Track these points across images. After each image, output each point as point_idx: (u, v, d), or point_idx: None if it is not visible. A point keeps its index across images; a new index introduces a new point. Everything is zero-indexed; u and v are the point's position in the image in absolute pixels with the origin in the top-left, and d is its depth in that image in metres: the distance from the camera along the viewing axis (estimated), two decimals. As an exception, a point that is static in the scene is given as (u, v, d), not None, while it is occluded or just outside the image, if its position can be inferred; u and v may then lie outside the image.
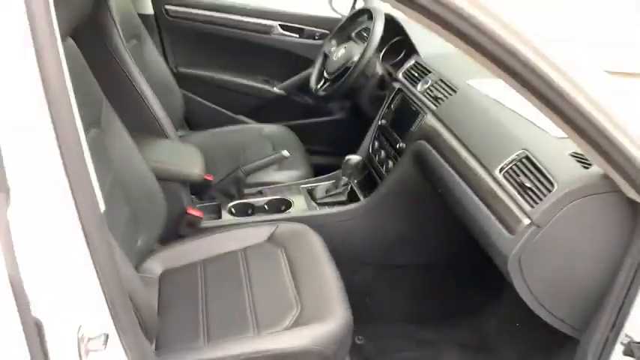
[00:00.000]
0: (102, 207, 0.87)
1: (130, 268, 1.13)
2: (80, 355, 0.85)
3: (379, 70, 2.02)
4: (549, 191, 1.09)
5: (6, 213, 0.71)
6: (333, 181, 1.90)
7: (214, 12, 2.40)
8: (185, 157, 1.73)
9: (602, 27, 3.67)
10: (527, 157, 1.20)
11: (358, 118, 2.27)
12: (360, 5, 2.30)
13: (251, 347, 1.23)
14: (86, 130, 0.99)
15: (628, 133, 0.96)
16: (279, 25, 2.43)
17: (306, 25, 2.44)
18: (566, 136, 0.99)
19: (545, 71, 0.92)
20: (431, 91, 1.67)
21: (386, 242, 1.79)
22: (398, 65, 2.01)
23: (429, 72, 1.76)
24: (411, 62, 1.89)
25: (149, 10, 2.35)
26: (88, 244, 0.83)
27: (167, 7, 2.38)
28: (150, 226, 1.50)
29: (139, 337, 0.97)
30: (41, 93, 0.75)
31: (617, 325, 1.12)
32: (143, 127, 1.76)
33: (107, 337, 0.90)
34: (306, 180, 1.97)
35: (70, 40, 1.27)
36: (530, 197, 1.12)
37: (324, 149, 2.37)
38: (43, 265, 0.77)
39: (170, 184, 1.63)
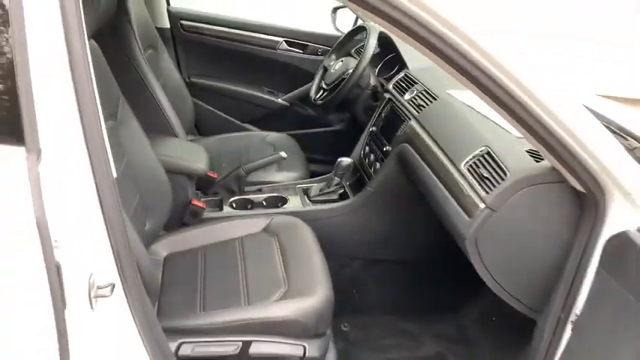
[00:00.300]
0: (114, 174, 1.04)
1: (136, 236, 1.29)
2: (90, 299, 1.01)
3: (373, 82, 2.20)
4: (503, 180, 1.24)
5: (37, 168, 0.89)
6: (327, 182, 2.06)
7: (225, 28, 2.61)
8: (191, 154, 1.90)
9: (544, 19, 3.77)
10: (488, 153, 1.35)
11: (355, 129, 2.44)
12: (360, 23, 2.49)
13: (241, 315, 1.38)
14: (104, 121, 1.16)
15: (574, 135, 1.10)
16: (285, 41, 2.63)
17: (310, 42, 2.64)
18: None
19: (505, 82, 1.07)
20: (415, 99, 1.84)
21: (372, 238, 1.94)
22: (391, 78, 2.19)
23: (416, 83, 1.93)
24: (400, 75, 2.06)
25: (166, 24, 2.57)
26: (100, 202, 1.00)
27: (182, 22, 2.59)
28: (157, 213, 1.67)
29: (140, 291, 1.13)
30: (70, 79, 0.93)
31: (567, 306, 1.25)
32: (156, 127, 1.94)
33: (114, 286, 1.06)
34: (302, 180, 2.14)
35: (93, 42, 1.46)
36: (487, 185, 1.27)
37: (322, 157, 2.53)
38: (63, 217, 0.94)
39: (177, 177, 1.80)
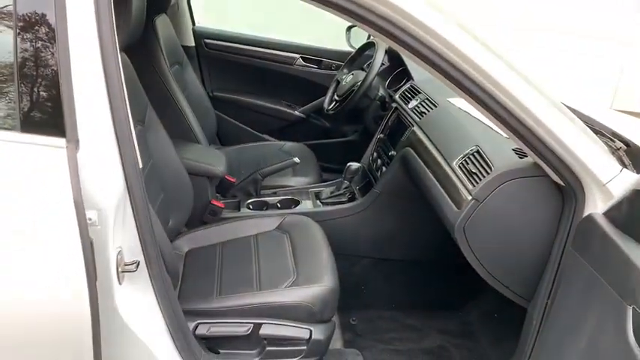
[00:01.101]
0: (140, 164, 1.20)
1: (159, 224, 1.44)
2: (118, 274, 1.17)
3: (382, 93, 2.35)
4: (488, 174, 1.36)
5: (76, 156, 1.06)
6: (337, 185, 2.20)
7: (246, 45, 2.81)
8: (212, 158, 2.07)
9: (525, 12, 3.80)
10: (477, 151, 1.48)
11: (367, 139, 2.58)
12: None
13: (253, 300, 1.51)
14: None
15: (553, 134, 1.21)
16: (301, 57, 2.81)
17: (324, 58, 2.82)
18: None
19: (491, 89, 1.19)
20: (418, 107, 1.98)
21: (380, 238, 2.06)
22: (399, 90, 2.33)
23: (419, 92, 2.07)
24: (406, 86, 2.20)
25: (191, 42, 2.78)
26: (127, 187, 1.16)
27: (206, 40, 2.80)
28: (179, 211, 1.82)
29: (162, 269, 1.28)
30: (104, 85, 1.10)
31: (553, 292, 1.34)
32: (180, 135, 2.11)
33: (138, 263, 1.21)
34: (314, 185, 2.28)
35: (124, 55, 1.64)
36: (475, 179, 1.40)
37: (335, 166, 2.67)
38: (97, 199, 1.10)
39: (198, 179, 1.96)
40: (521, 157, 1.39)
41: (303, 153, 2.53)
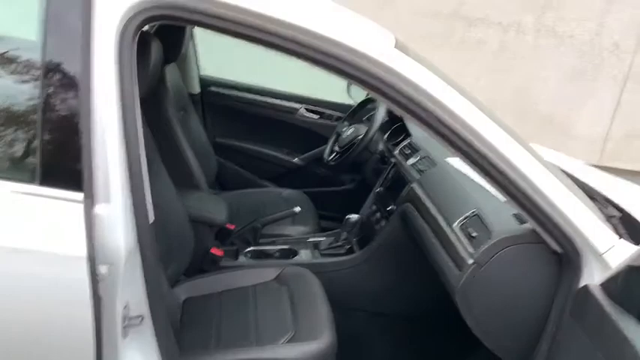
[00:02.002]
0: (151, 219, 1.22)
1: (164, 276, 1.46)
2: (123, 327, 1.18)
3: (381, 147, 2.41)
4: (489, 239, 1.40)
5: (92, 211, 1.08)
6: (336, 236, 2.22)
7: (250, 94, 2.88)
8: (213, 206, 2.09)
9: None
10: (477, 215, 1.52)
11: (365, 189, 2.62)
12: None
13: (251, 355, 1.51)
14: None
15: (550, 201, 1.26)
16: (304, 107, 2.88)
17: (326, 109, 2.89)
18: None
19: (488, 154, 1.24)
20: (418, 164, 2.03)
21: (376, 291, 2.08)
22: (398, 144, 2.39)
23: (418, 150, 2.13)
24: (405, 142, 2.27)
25: (197, 89, 2.84)
26: (139, 243, 1.18)
27: (211, 88, 2.87)
28: (179, 259, 1.83)
29: (166, 323, 1.29)
30: (122, 137, 1.14)
31: (550, 358, 1.36)
32: (182, 180, 2.13)
33: (143, 317, 1.22)
34: (313, 234, 2.31)
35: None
36: (476, 243, 1.43)
37: (333, 214, 2.69)
38: (108, 253, 1.12)
39: (198, 226, 1.98)
40: (520, 223, 1.43)
41: (302, 201, 2.56)
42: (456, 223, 1.56)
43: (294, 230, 2.33)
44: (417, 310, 2.08)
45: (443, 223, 1.61)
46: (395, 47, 1.24)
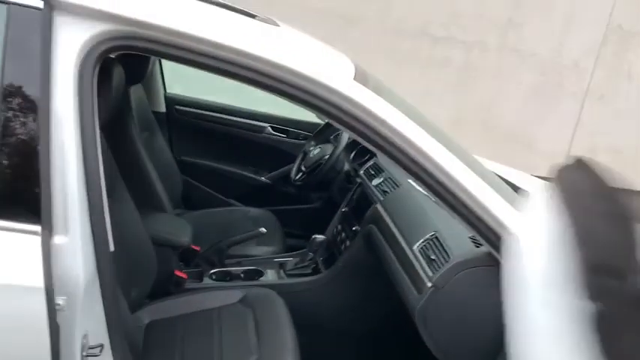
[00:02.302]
0: (111, 248, 1.22)
1: (125, 302, 1.45)
2: (83, 356, 1.16)
3: (347, 167, 2.44)
4: (447, 262, 1.44)
5: (49, 242, 1.08)
6: (302, 256, 2.24)
7: (216, 113, 2.88)
8: (176, 228, 2.07)
9: None
10: (436, 237, 1.56)
11: (331, 207, 2.65)
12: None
13: (214, 380, 1.51)
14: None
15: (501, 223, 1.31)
16: (270, 126, 2.90)
17: (293, 128, 2.91)
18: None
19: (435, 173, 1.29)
20: (382, 185, 2.07)
21: (342, 311, 2.10)
22: (363, 164, 2.43)
23: (383, 171, 2.17)
24: (370, 162, 2.30)
25: (162, 108, 2.83)
26: (99, 272, 1.18)
27: (177, 107, 2.86)
28: (142, 283, 1.82)
29: (125, 352, 1.28)
30: (82, 165, 1.13)
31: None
32: (146, 202, 2.11)
33: (103, 346, 1.21)
34: (279, 255, 2.31)
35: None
36: (434, 266, 1.47)
37: (300, 232, 2.70)
38: (66, 284, 1.11)
39: (162, 249, 1.95)
40: (477, 246, 1.47)
41: (268, 220, 2.57)
42: (416, 245, 1.59)
43: (260, 250, 2.34)
44: (382, 329, 2.11)
45: (404, 245, 1.65)
46: (354, 78, 1.27)
